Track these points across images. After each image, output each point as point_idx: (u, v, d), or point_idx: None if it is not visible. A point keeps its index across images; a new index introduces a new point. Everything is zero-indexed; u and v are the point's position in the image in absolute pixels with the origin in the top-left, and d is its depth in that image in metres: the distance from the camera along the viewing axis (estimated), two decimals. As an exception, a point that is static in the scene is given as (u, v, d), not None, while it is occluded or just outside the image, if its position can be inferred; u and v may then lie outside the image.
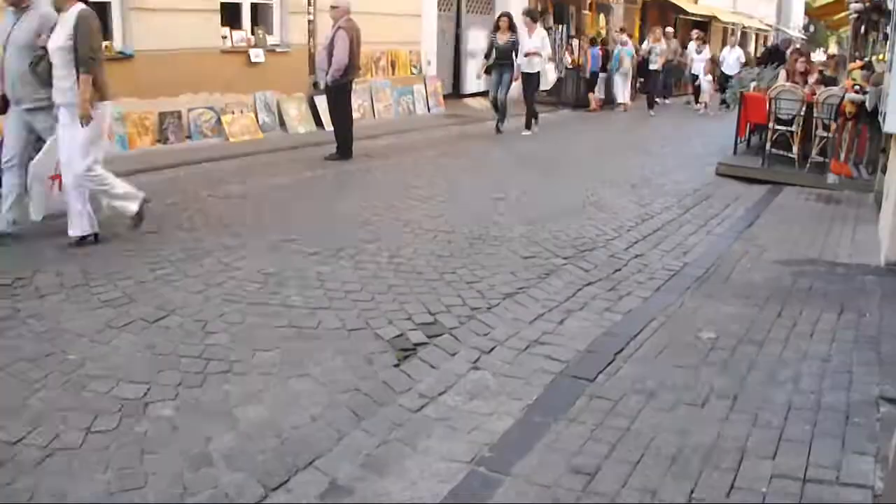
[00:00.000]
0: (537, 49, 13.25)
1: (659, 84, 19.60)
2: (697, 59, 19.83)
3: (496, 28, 13.44)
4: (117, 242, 6.00)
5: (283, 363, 3.94)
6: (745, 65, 20.01)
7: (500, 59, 13.17)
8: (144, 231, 6.29)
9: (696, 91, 20.12)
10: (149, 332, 4.28)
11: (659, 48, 18.99)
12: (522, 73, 13.34)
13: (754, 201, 8.54)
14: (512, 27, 13.16)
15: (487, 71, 13.49)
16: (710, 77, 19.75)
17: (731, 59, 20.43)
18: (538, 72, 13.47)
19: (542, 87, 13.83)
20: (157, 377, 3.73)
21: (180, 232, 6.38)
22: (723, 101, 19.64)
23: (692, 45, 20.93)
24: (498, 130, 13.40)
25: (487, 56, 13.48)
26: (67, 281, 5.09)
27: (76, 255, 5.58)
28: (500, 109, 13.46)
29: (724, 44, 24.65)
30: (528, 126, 13.70)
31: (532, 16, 13.79)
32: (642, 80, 20.26)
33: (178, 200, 7.59)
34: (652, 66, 18.99)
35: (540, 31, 13.79)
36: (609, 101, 19.10)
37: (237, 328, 4.37)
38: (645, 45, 19.72)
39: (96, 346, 4.09)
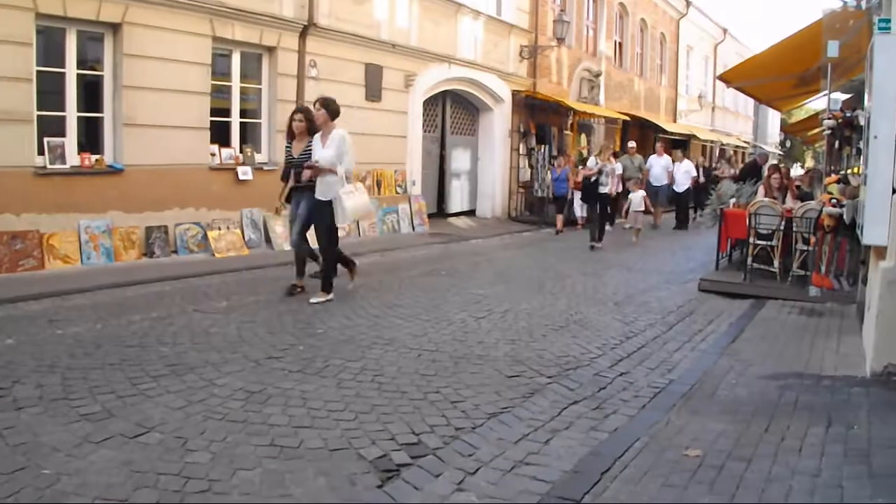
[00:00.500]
0: (330, 164, 8.41)
1: (607, 209, 16.31)
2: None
3: (290, 133, 9.04)
4: (100, 355, 5.95)
5: (264, 483, 3.85)
6: (705, 179, 19.88)
7: (298, 181, 8.78)
8: (128, 344, 6.27)
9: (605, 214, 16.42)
10: (127, 449, 4.19)
11: (609, 168, 15.89)
12: (316, 202, 8.60)
13: (737, 316, 8.59)
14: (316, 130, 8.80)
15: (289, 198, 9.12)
16: (641, 192, 17.08)
17: (680, 173, 19.73)
18: (330, 200, 8.49)
19: (339, 223, 8.69)
20: (133, 495, 3.64)
21: (163, 347, 6.33)
22: (678, 222, 19.47)
23: (653, 158, 20.07)
24: (292, 292, 8.86)
25: (285, 177, 9.10)
26: (47, 393, 5.02)
27: (58, 368, 5.52)
28: (297, 257, 9.08)
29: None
30: (325, 287, 8.62)
31: (329, 107, 8.58)
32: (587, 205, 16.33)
33: (163, 315, 7.57)
34: (603, 190, 15.56)
35: (338, 133, 8.51)
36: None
37: (218, 446, 4.29)
38: (592, 163, 16.23)
39: (72, 461, 4.00)
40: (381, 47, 15.15)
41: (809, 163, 41.01)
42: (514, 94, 20.00)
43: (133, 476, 3.85)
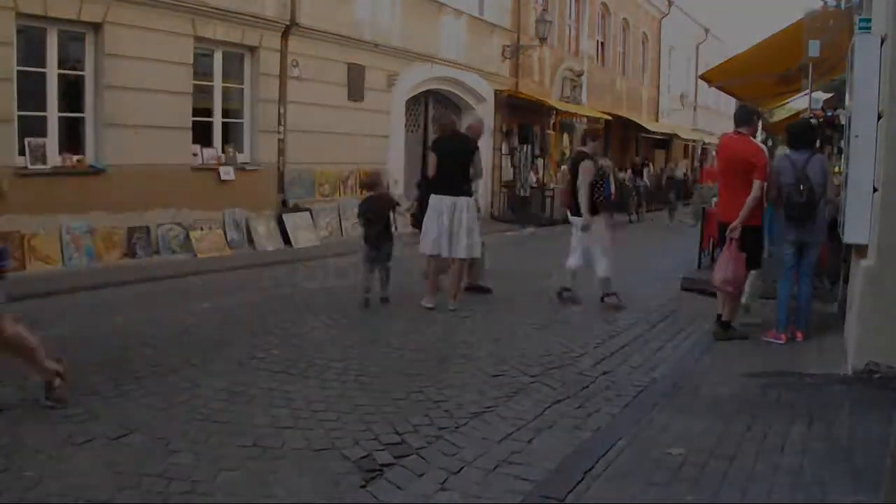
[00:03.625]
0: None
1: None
2: None
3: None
4: (82, 357, 5.89)
5: (247, 483, 3.84)
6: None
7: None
8: (110, 346, 6.24)
9: None
10: (110, 450, 4.17)
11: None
12: None
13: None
14: None
15: None
16: None
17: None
18: None
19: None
20: (116, 496, 3.62)
21: (146, 348, 6.30)
22: None
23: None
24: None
25: None
26: (29, 395, 4.98)
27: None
28: None
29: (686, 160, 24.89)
30: None
31: None
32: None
33: (145, 316, 7.53)
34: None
35: None
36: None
37: (201, 447, 4.27)
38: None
39: (55, 463, 3.98)
40: (363, 47, 15.12)
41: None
42: (497, 93, 20.01)
43: (116, 477, 3.82)
